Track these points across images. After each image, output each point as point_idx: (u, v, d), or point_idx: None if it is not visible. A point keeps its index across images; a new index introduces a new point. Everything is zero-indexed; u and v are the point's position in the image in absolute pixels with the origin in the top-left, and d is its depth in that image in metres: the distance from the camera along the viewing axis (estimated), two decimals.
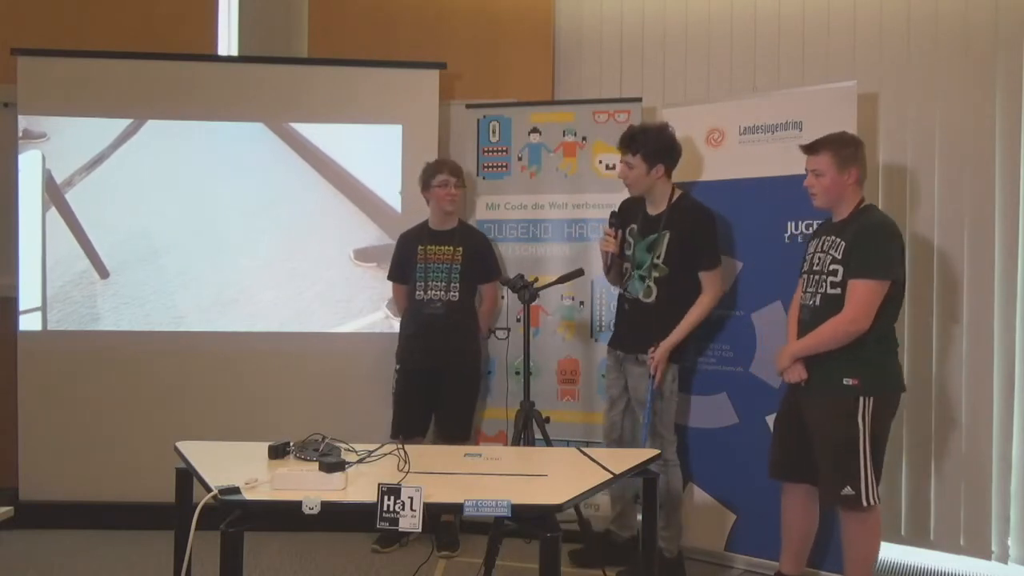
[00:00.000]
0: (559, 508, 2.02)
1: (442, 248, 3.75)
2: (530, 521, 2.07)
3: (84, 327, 3.99)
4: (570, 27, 4.43)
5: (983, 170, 3.51)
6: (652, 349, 3.24)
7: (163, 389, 3.98)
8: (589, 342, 3.92)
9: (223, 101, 4.07)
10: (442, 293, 3.71)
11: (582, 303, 3.94)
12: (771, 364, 3.21)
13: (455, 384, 3.73)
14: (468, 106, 4.14)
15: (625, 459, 2.48)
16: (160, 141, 4.04)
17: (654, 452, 2.60)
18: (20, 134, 3.96)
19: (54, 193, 3.98)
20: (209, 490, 2.03)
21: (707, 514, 3.55)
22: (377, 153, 4.11)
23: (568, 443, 3.70)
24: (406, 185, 4.06)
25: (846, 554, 2.90)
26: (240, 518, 1.99)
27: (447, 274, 3.72)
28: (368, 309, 4.09)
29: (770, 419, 3.24)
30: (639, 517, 2.62)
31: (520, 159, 4.04)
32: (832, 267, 2.83)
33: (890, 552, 3.54)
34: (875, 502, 2.78)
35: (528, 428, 3.29)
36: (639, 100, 3.94)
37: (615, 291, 3.50)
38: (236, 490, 2.02)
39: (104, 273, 4.01)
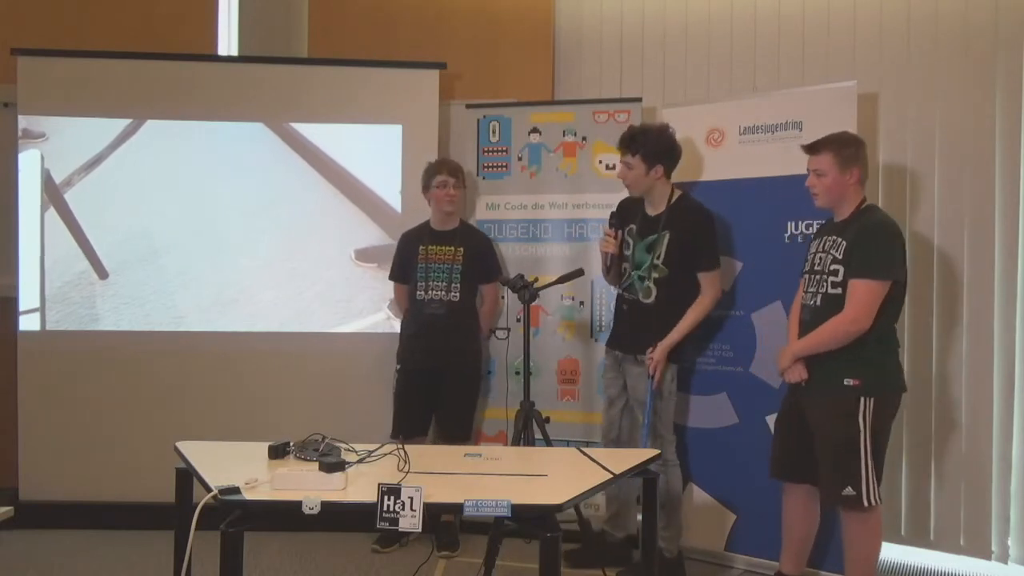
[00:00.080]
0: (559, 508, 2.02)
1: (443, 248, 3.75)
2: (530, 521, 2.07)
3: (83, 327, 3.98)
4: (570, 27, 4.43)
5: (983, 170, 3.51)
6: (651, 350, 3.24)
7: (163, 389, 3.97)
8: (589, 342, 3.92)
9: (223, 101, 4.07)
10: (443, 293, 3.71)
11: (582, 303, 3.94)
12: (771, 364, 3.22)
13: (456, 384, 3.73)
14: (468, 106, 4.14)
15: (625, 459, 2.48)
16: (160, 141, 4.04)
17: (654, 452, 2.60)
18: (19, 134, 3.96)
19: (53, 193, 3.98)
20: (209, 490, 2.02)
21: (707, 514, 3.55)
22: (377, 153, 4.11)
23: (568, 443, 3.70)
24: (406, 185, 4.06)
25: (847, 554, 2.90)
26: (240, 518, 1.99)
27: (448, 274, 3.72)
28: (369, 309, 4.09)
29: (770, 419, 3.24)
30: (639, 517, 2.61)
31: (520, 159, 4.04)
32: (833, 267, 2.83)
33: (890, 552, 3.54)
34: (876, 502, 2.78)
35: (528, 428, 3.29)
36: (639, 100, 3.95)
37: (615, 291, 3.50)
38: (236, 490, 2.02)
39: (103, 274, 4.01)
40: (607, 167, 3.87)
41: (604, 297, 3.87)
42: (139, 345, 4.00)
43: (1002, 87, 3.49)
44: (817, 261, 2.92)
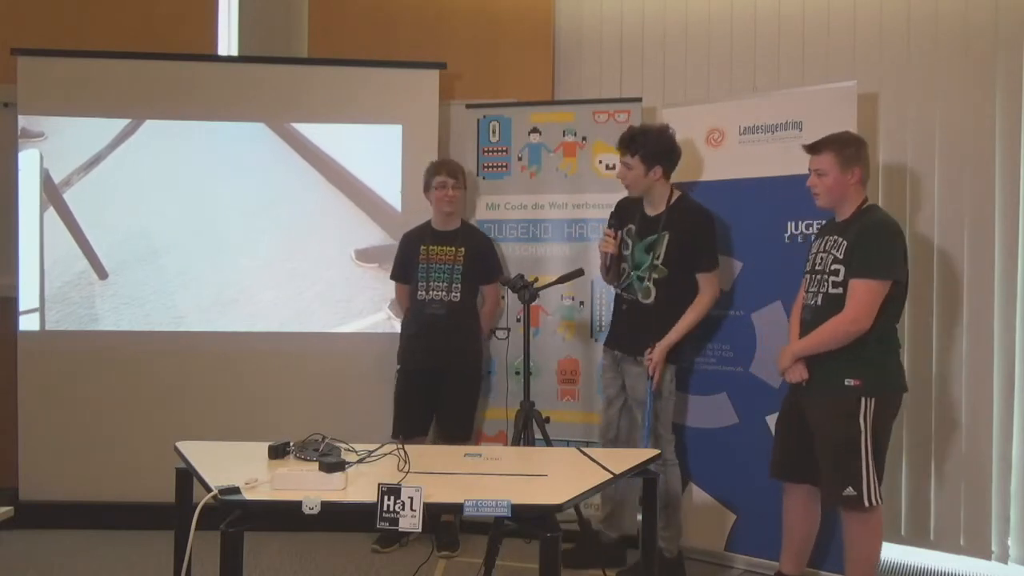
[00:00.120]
0: (559, 508, 2.02)
1: (444, 249, 3.75)
2: (530, 521, 2.07)
3: (83, 327, 3.98)
4: (570, 27, 4.43)
5: (983, 170, 3.51)
6: (649, 350, 3.24)
7: (163, 389, 3.97)
8: (589, 342, 3.92)
9: (223, 101, 4.07)
10: (443, 294, 3.71)
11: (582, 303, 3.94)
12: (771, 364, 3.22)
13: (456, 384, 3.73)
14: (468, 106, 4.14)
15: (625, 459, 2.48)
16: (159, 141, 4.04)
17: (654, 452, 2.60)
18: (19, 133, 3.96)
19: (52, 193, 3.98)
20: (209, 490, 2.02)
21: (707, 514, 3.55)
22: (377, 153, 4.11)
23: (568, 443, 3.70)
24: (406, 185, 4.06)
25: (847, 555, 2.90)
26: (240, 518, 1.99)
27: (449, 275, 3.72)
28: (369, 310, 4.09)
29: (770, 419, 3.25)
30: (639, 518, 2.61)
31: (520, 159, 4.04)
32: (834, 267, 2.82)
33: (890, 552, 3.53)
34: (877, 502, 2.78)
35: (528, 428, 3.29)
36: (639, 100, 3.95)
37: (614, 291, 3.50)
38: (236, 490, 2.02)
39: (103, 274, 4.01)
40: (607, 167, 3.87)
41: (604, 297, 3.87)
42: (139, 345, 4.00)
43: (1002, 87, 3.49)
44: (818, 261, 2.92)
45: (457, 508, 2.02)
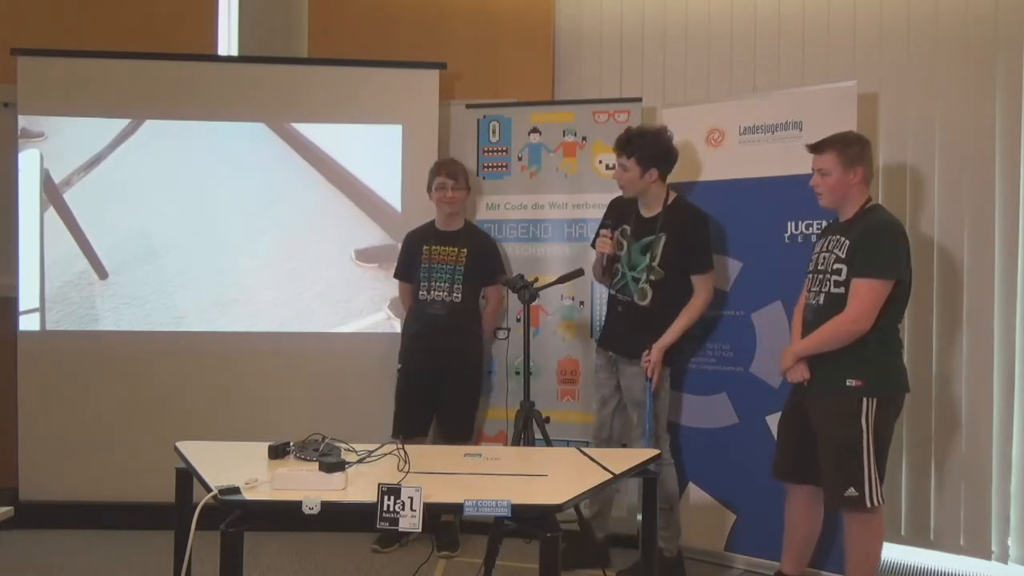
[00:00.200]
0: (559, 508, 2.01)
1: (447, 249, 3.75)
2: (530, 521, 2.07)
3: (83, 327, 3.98)
4: (570, 27, 4.43)
5: (983, 170, 3.51)
6: (646, 352, 3.24)
7: (163, 389, 3.97)
8: (589, 342, 3.91)
9: (223, 101, 4.07)
10: (445, 294, 3.71)
11: (582, 303, 3.94)
12: (771, 364, 3.22)
13: (456, 384, 3.73)
14: (468, 106, 4.14)
15: (625, 459, 2.48)
16: (159, 141, 4.04)
17: (654, 452, 2.60)
18: (19, 133, 3.96)
19: (52, 193, 3.98)
20: (209, 490, 2.02)
21: (707, 514, 3.55)
22: (377, 153, 4.11)
23: (568, 443, 3.69)
24: (406, 185, 4.06)
25: (848, 555, 2.90)
26: (240, 518, 1.99)
27: (450, 275, 3.72)
28: (369, 310, 4.09)
29: (770, 419, 3.25)
30: (637, 517, 2.61)
31: (520, 159, 4.04)
32: (836, 266, 2.82)
33: (890, 552, 3.53)
34: (879, 503, 2.78)
35: (528, 428, 3.28)
36: (639, 100, 3.95)
37: (608, 292, 3.50)
38: (236, 490, 2.02)
39: (103, 274, 4.01)
40: (607, 167, 3.87)
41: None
42: (139, 345, 4.00)
43: (1002, 87, 3.49)
44: (821, 260, 2.92)
45: (457, 508, 2.02)
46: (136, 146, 4.03)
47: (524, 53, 4.39)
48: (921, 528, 3.62)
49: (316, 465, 2.18)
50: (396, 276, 3.92)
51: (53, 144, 3.99)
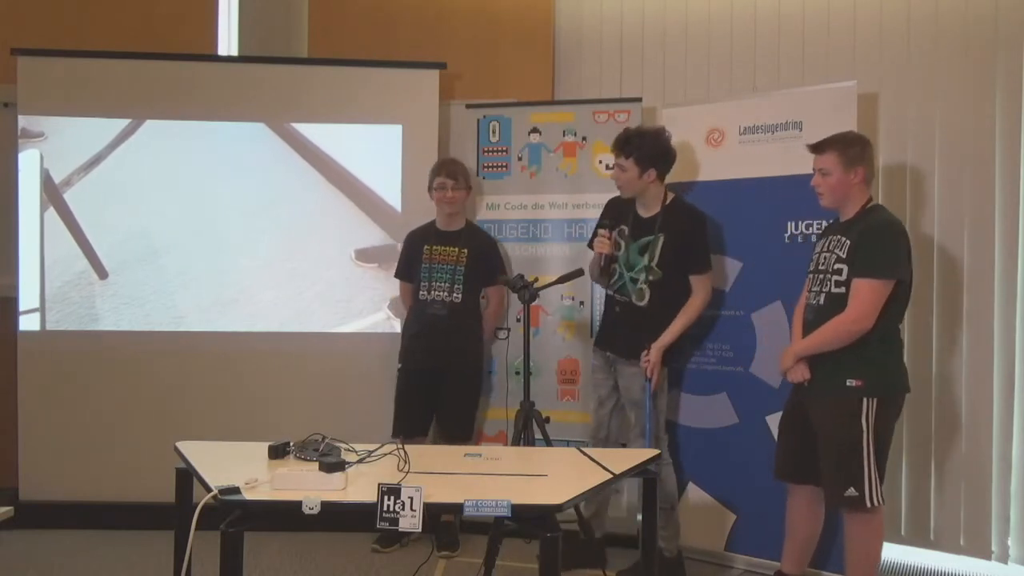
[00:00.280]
0: (559, 508, 2.01)
1: (447, 249, 3.75)
2: (530, 521, 2.07)
3: (83, 327, 3.98)
4: (570, 27, 4.43)
5: (983, 170, 3.51)
6: (646, 352, 3.24)
7: (163, 389, 3.97)
8: (589, 342, 3.90)
9: (223, 101, 4.07)
10: (445, 294, 3.71)
11: (582, 303, 3.94)
12: (771, 364, 3.22)
13: (456, 384, 3.73)
14: (468, 106, 4.14)
15: (625, 459, 2.48)
16: (159, 141, 4.04)
17: (654, 452, 2.60)
18: (19, 133, 3.96)
19: (52, 193, 3.98)
20: (209, 490, 2.02)
21: (707, 514, 3.55)
22: (377, 153, 4.11)
23: (568, 443, 3.69)
24: (406, 185, 4.06)
25: (848, 555, 2.89)
26: (240, 518, 1.99)
27: (451, 275, 3.72)
28: (369, 310, 4.09)
29: (770, 419, 3.25)
30: (638, 517, 2.61)
31: (520, 159, 4.04)
32: (837, 266, 2.82)
33: (890, 552, 3.53)
34: (879, 503, 2.78)
35: (528, 428, 3.28)
36: (639, 100, 3.95)
37: (606, 292, 3.50)
38: (236, 490, 2.02)
39: (103, 274, 4.01)
40: (607, 167, 3.86)
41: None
42: (139, 345, 4.00)
43: (1002, 87, 3.49)
44: (821, 260, 2.92)
45: (457, 508, 2.01)
46: (136, 146, 4.03)
47: (524, 53, 4.39)
48: (921, 528, 3.62)
49: (316, 465, 2.18)
50: (397, 276, 3.92)
51: (53, 144, 3.99)
